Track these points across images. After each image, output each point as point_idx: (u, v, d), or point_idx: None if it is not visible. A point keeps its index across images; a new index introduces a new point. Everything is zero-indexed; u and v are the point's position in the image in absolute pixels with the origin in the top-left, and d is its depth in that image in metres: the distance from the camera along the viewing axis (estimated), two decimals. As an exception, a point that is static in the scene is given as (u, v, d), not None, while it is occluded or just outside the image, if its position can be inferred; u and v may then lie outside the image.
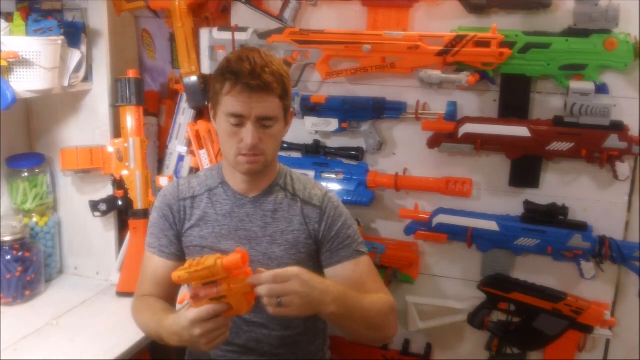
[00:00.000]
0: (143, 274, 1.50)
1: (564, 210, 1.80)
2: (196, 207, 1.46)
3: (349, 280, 1.40)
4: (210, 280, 1.19)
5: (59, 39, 1.71)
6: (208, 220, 1.45)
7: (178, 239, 1.47)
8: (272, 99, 1.31)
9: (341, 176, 1.97)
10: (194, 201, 1.46)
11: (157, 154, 2.22)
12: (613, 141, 1.69)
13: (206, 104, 2.01)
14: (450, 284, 1.99)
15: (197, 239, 1.45)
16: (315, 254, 1.45)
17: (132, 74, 1.94)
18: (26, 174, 1.95)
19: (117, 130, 1.97)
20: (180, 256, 1.48)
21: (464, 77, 1.74)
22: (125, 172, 1.94)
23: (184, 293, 1.21)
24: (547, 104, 1.79)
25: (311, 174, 1.97)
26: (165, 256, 1.47)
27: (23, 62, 1.62)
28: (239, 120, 1.31)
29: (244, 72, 1.28)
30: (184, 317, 1.20)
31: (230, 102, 1.31)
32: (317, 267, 1.46)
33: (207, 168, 1.57)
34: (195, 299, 1.20)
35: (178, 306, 1.50)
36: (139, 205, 1.95)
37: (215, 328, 1.20)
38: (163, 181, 1.97)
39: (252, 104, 1.30)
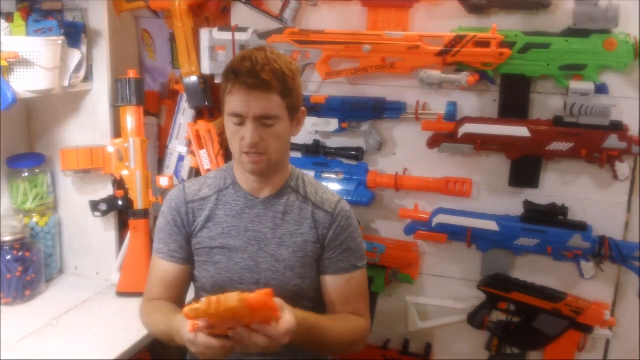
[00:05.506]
0: (151, 278, 1.48)
1: (563, 210, 1.80)
2: (205, 209, 1.45)
3: (338, 293, 1.44)
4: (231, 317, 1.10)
5: (59, 39, 1.71)
6: (217, 221, 1.44)
7: (188, 242, 1.46)
8: (272, 97, 1.30)
9: (341, 176, 1.98)
10: (203, 203, 1.45)
11: (157, 154, 2.21)
12: (613, 141, 1.69)
13: (206, 104, 2.02)
14: (450, 284, 1.99)
15: (206, 240, 1.44)
16: (319, 258, 1.46)
17: (132, 74, 1.93)
18: (26, 174, 1.95)
19: (117, 130, 1.97)
20: (190, 259, 1.46)
21: (464, 77, 1.75)
22: (125, 172, 1.94)
23: (192, 324, 1.15)
24: (547, 104, 1.79)
25: (311, 174, 1.96)
26: (175, 260, 1.45)
27: (23, 62, 1.61)
28: (240, 119, 1.32)
29: (243, 71, 1.28)
30: (185, 334, 1.18)
31: (230, 102, 1.32)
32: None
33: (218, 169, 1.56)
34: (211, 329, 1.13)
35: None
36: (139, 205, 1.95)
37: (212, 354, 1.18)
38: (163, 181, 1.97)
39: (250, 102, 1.29)
